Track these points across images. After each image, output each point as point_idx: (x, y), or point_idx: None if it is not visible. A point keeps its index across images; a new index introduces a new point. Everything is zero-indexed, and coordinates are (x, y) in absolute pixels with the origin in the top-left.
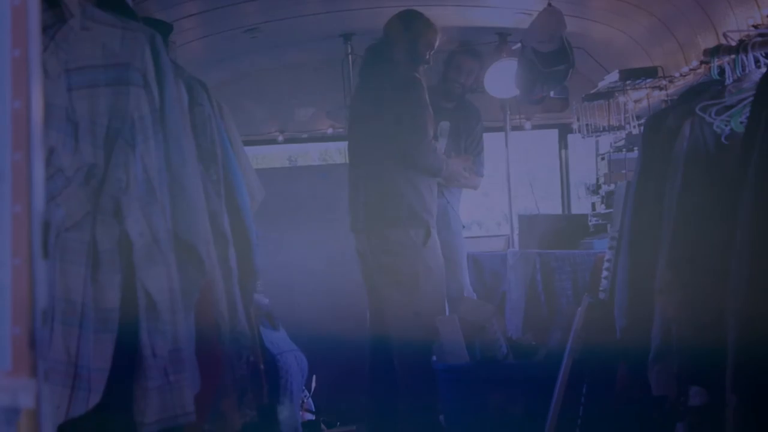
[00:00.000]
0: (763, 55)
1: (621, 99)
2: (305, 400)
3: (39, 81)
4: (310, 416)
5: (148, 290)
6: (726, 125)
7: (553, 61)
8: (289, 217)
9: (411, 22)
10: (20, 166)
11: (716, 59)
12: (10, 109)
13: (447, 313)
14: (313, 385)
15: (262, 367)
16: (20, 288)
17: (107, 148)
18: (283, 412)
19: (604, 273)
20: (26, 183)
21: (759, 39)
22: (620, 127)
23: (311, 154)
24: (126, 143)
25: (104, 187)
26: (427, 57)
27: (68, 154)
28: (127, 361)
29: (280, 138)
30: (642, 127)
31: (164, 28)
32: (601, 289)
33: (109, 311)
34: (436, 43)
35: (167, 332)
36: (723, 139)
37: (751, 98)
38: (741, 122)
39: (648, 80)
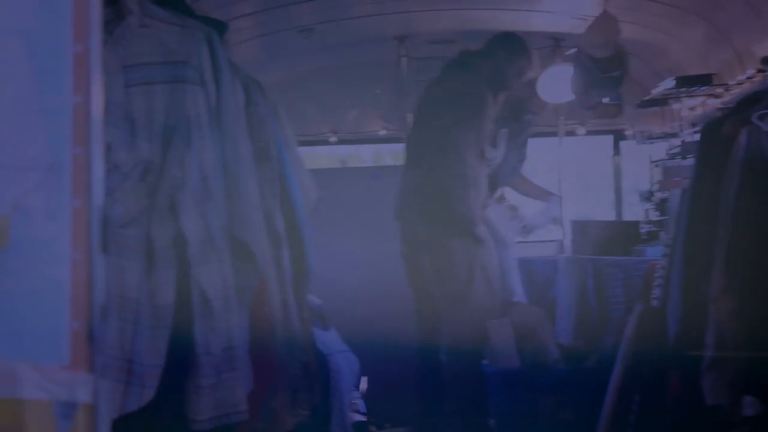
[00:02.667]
0: None
1: (675, 106)
2: (355, 402)
3: (100, 77)
4: (360, 418)
5: (203, 288)
6: None
7: (608, 66)
8: (342, 217)
9: (514, 46)
10: (81, 161)
11: None
12: (72, 103)
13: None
14: (364, 386)
15: (314, 367)
16: (80, 283)
17: (163, 145)
18: (333, 413)
19: (658, 280)
20: (86, 178)
21: None
22: (674, 135)
23: (363, 155)
24: (182, 140)
25: (160, 183)
26: (511, 85)
27: (125, 151)
28: (181, 358)
29: (333, 138)
30: (698, 135)
31: (220, 27)
32: (654, 296)
33: (164, 308)
34: (525, 76)
35: (221, 330)
36: None
37: None
38: None
39: (703, 88)
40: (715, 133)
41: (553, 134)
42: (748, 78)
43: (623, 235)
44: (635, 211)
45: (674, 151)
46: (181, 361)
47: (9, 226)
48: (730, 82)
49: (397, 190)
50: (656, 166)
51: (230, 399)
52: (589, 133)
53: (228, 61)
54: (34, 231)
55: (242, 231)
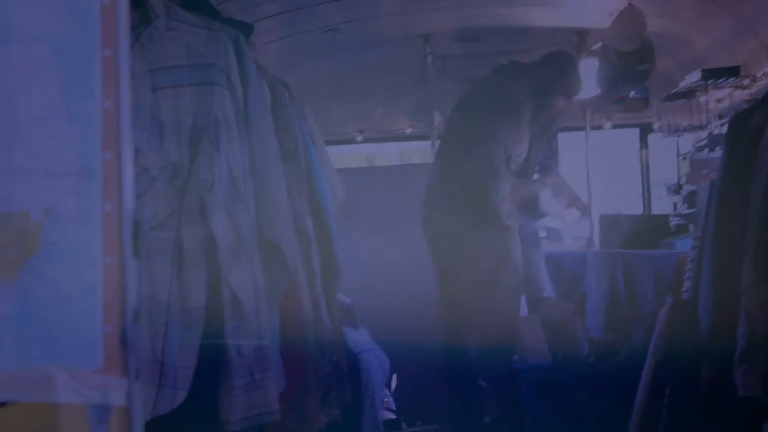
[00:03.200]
0: None
1: (702, 99)
2: (386, 399)
3: (128, 81)
4: (391, 415)
5: (233, 289)
6: None
7: (635, 60)
8: (370, 216)
9: (565, 65)
10: (111, 165)
11: None
12: (101, 108)
13: (526, 312)
14: (394, 383)
15: (345, 366)
16: (112, 286)
17: (192, 147)
18: (365, 412)
19: (688, 273)
20: (117, 182)
21: None
22: (702, 127)
23: (389, 154)
24: (210, 143)
25: (189, 186)
26: (553, 104)
27: (153, 154)
28: (213, 359)
29: (359, 138)
30: (725, 127)
31: (245, 29)
32: (684, 289)
33: (195, 310)
34: (565, 102)
35: (252, 331)
36: None
37: None
38: None
39: (730, 80)
40: (743, 125)
41: (580, 128)
42: None
43: (652, 229)
44: (663, 204)
45: (702, 143)
46: (212, 363)
47: (41, 232)
48: (757, 74)
49: (426, 183)
50: (684, 158)
51: (262, 399)
52: (616, 126)
53: (254, 63)
54: (65, 236)
55: (272, 232)
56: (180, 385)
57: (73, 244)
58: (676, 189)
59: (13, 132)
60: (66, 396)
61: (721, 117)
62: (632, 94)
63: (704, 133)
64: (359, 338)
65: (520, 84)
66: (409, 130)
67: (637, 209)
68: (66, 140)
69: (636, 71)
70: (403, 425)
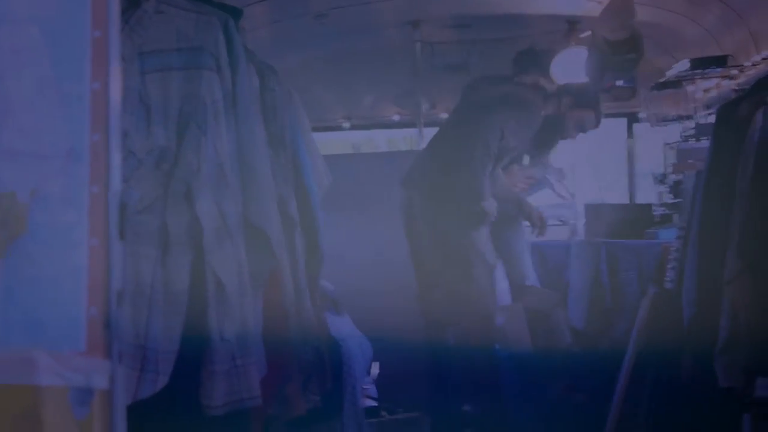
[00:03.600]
0: None
1: (690, 88)
2: (367, 387)
3: (118, 63)
4: (372, 403)
5: (218, 274)
6: None
7: (623, 49)
8: (355, 202)
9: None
10: (98, 148)
11: None
12: (90, 90)
13: (509, 301)
14: (376, 371)
15: (326, 352)
16: (97, 269)
17: (179, 131)
18: (346, 398)
19: (671, 263)
20: (104, 164)
21: None
22: (689, 117)
23: (376, 140)
24: (198, 127)
25: (175, 170)
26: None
27: (140, 137)
28: (195, 344)
29: (347, 124)
30: (712, 117)
31: (235, 13)
32: (667, 279)
33: (178, 294)
34: (576, 132)
35: (235, 316)
36: None
37: None
38: None
39: (718, 69)
40: (731, 115)
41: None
42: (764, 59)
43: (637, 218)
44: (649, 194)
45: (688, 133)
46: (195, 347)
47: (28, 212)
48: (745, 64)
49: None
50: (670, 148)
51: (244, 384)
52: (603, 115)
53: (243, 48)
54: (52, 217)
55: (257, 217)
56: (162, 369)
57: (59, 226)
58: (662, 179)
59: (1, 112)
60: (48, 378)
61: (708, 107)
62: (620, 83)
63: (691, 123)
64: (342, 325)
65: (534, 77)
66: (396, 117)
67: (623, 198)
68: (54, 121)
69: (625, 60)
70: (384, 413)
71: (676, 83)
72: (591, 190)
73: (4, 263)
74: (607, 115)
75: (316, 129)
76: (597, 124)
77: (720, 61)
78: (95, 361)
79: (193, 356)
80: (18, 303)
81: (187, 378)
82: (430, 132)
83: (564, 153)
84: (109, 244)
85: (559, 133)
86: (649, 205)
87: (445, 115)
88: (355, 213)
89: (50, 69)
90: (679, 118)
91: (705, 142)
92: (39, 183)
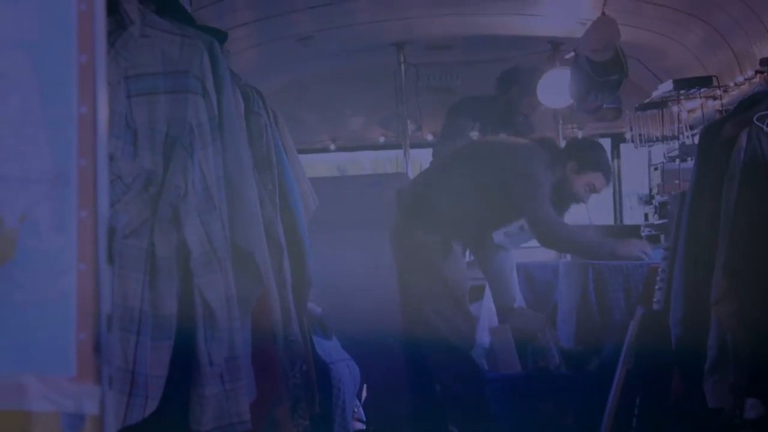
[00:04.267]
0: None
1: (675, 109)
2: (356, 410)
3: (104, 87)
4: (361, 426)
5: (206, 298)
6: None
7: (607, 70)
8: (342, 225)
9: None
10: (86, 172)
11: None
12: (77, 114)
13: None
14: (364, 394)
15: (314, 376)
16: (85, 294)
17: (166, 155)
18: (336, 422)
19: (659, 284)
20: (92, 189)
21: None
22: (674, 137)
23: (362, 162)
24: (184, 150)
25: (162, 194)
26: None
27: (127, 161)
28: (184, 368)
29: (332, 146)
30: (697, 137)
31: (220, 37)
32: (655, 300)
33: (167, 318)
34: (588, 196)
35: (224, 340)
36: None
37: None
38: None
39: (702, 90)
40: (716, 135)
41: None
42: (747, 79)
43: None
44: (635, 214)
45: (673, 153)
46: (184, 372)
47: (16, 238)
48: (729, 84)
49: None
50: (655, 169)
51: (234, 409)
52: (588, 136)
53: (229, 71)
54: (40, 243)
55: (245, 240)
56: (151, 394)
57: (48, 251)
58: (648, 199)
59: None
60: (39, 404)
61: (692, 127)
62: (605, 103)
63: (675, 144)
64: (330, 348)
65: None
66: (382, 139)
67: (609, 219)
68: (42, 146)
69: (609, 81)
70: None
71: (660, 104)
72: (578, 211)
73: None
74: (593, 136)
75: (301, 151)
76: (608, 182)
77: (704, 82)
78: (86, 387)
79: (182, 380)
80: (7, 328)
81: (176, 402)
82: (416, 153)
83: None
84: (98, 269)
85: (570, 198)
86: (637, 226)
87: (430, 137)
88: (341, 235)
89: (37, 94)
90: (664, 139)
91: (690, 163)
92: (27, 208)
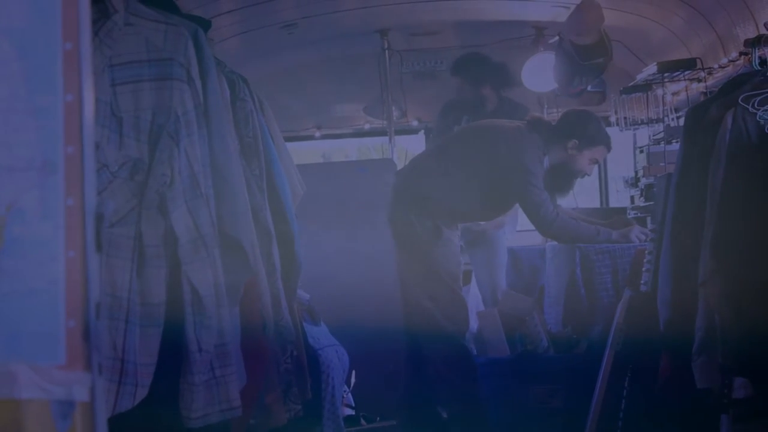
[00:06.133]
0: None
1: (659, 92)
2: (345, 396)
3: (90, 74)
4: (350, 411)
5: (194, 285)
6: None
7: (591, 54)
8: (329, 212)
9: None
10: (73, 160)
11: (757, 50)
12: (63, 102)
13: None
14: (353, 380)
15: (305, 361)
16: (74, 281)
17: (151, 143)
18: (325, 407)
19: (646, 266)
20: (79, 176)
21: None
22: (658, 120)
23: (347, 149)
24: (170, 138)
25: (149, 182)
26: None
27: (113, 150)
28: (174, 355)
29: (317, 134)
30: (682, 119)
31: (203, 25)
32: (642, 282)
33: (155, 306)
34: (591, 168)
35: (213, 327)
36: (766, 130)
37: None
38: None
39: (686, 72)
40: (701, 117)
41: None
42: (731, 61)
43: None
44: (621, 197)
45: (658, 136)
46: (173, 359)
47: (4, 227)
48: (713, 66)
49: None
50: (641, 152)
51: (224, 395)
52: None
53: (214, 58)
54: (28, 230)
55: (232, 227)
56: (141, 381)
57: (36, 239)
58: (634, 182)
59: None
60: (29, 392)
61: (677, 110)
62: (589, 87)
63: (660, 126)
64: (319, 334)
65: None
66: (367, 126)
67: (595, 202)
68: (28, 134)
69: (593, 64)
70: (363, 421)
71: (645, 87)
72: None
73: None
74: None
75: (286, 139)
76: (610, 150)
77: (688, 64)
78: (76, 374)
79: (172, 367)
80: None
81: (166, 389)
82: (401, 140)
83: None
84: (86, 256)
85: (573, 174)
86: (623, 209)
87: (415, 123)
88: (329, 221)
89: (22, 82)
90: (649, 122)
91: (675, 145)
92: (14, 197)
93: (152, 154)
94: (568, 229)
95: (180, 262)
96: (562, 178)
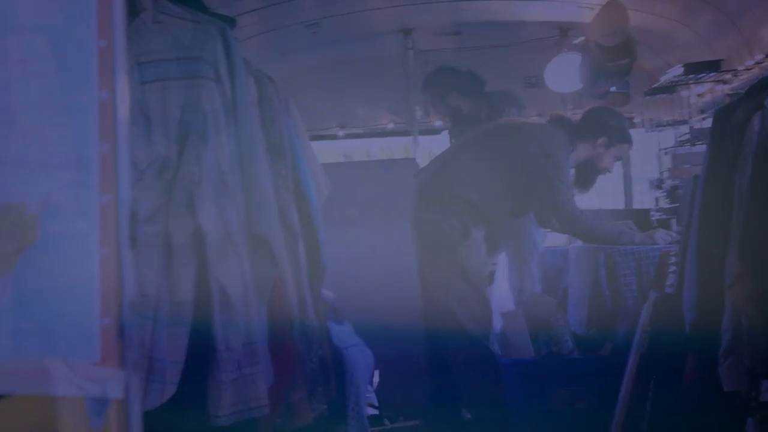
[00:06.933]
0: None
1: (684, 93)
2: (369, 395)
3: (124, 72)
4: (374, 411)
5: (222, 283)
6: None
7: (616, 55)
8: (354, 211)
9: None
10: (107, 157)
11: None
12: (98, 99)
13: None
14: (377, 379)
15: (330, 360)
16: (109, 279)
17: (180, 141)
18: (349, 407)
19: (672, 267)
20: (114, 173)
21: None
22: (683, 122)
23: (370, 149)
24: (198, 136)
25: (177, 180)
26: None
27: (141, 147)
28: (202, 353)
29: (341, 133)
30: (707, 121)
31: (229, 23)
32: (668, 283)
33: (183, 304)
34: (613, 165)
35: (241, 325)
36: None
37: None
38: None
39: (712, 74)
40: (727, 119)
41: None
42: (757, 63)
43: (635, 223)
44: (645, 199)
45: (683, 138)
46: (201, 357)
47: (38, 223)
48: (738, 68)
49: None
50: (666, 153)
51: (251, 393)
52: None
53: (241, 57)
54: (62, 227)
55: (260, 226)
56: (169, 379)
57: (70, 236)
58: (658, 184)
59: (10, 123)
60: (64, 388)
61: (702, 111)
62: (614, 88)
63: (686, 128)
64: (343, 333)
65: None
66: (390, 126)
67: (619, 204)
68: (63, 131)
69: (617, 66)
70: (386, 421)
71: (669, 88)
72: (587, 195)
73: (16, 274)
74: None
75: (309, 138)
76: (631, 146)
77: (713, 66)
78: (110, 371)
79: (200, 365)
80: (31, 314)
81: (194, 387)
82: (424, 140)
83: None
84: (120, 254)
85: (598, 171)
86: (647, 210)
87: (438, 124)
88: (354, 221)
89: (57, 78)
90: (674, 123)
91: (700, 147)
92: (49, 193)
93: (180, 152)
94: (591, 227)
95: (208, 260)
96: (587, 174)
